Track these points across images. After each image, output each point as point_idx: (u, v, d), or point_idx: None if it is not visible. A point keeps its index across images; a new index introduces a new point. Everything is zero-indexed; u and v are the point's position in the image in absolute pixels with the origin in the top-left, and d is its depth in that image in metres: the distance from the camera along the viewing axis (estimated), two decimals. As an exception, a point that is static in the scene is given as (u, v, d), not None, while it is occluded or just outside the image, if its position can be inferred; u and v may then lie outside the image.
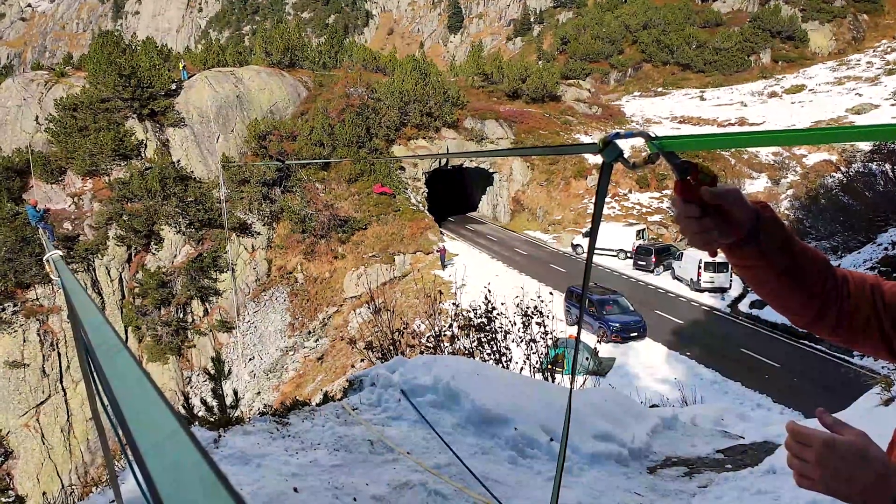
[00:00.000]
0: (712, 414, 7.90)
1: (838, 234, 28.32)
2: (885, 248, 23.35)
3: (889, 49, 66.37)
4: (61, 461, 32.16)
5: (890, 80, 56.51)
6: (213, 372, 5.48)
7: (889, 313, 1.37)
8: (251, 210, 40.13)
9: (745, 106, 59.84)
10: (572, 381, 2.24)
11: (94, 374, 1.57)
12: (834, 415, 1.26)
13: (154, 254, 38.13)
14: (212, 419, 5.14)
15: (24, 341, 32.79)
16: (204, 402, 5.62)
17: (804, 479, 1.15)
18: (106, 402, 1.69)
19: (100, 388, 1.60)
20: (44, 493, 29.24)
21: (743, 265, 1.39)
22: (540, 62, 70.11)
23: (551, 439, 5.49)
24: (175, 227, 38.13)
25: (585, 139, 49.87)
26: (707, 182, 1.24)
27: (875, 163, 30.09)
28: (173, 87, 43.63)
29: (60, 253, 2.56)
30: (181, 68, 45.92)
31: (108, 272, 36.77)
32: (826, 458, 1.11)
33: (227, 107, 43.78)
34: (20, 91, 42.15)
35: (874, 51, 67.68)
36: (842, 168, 34.85)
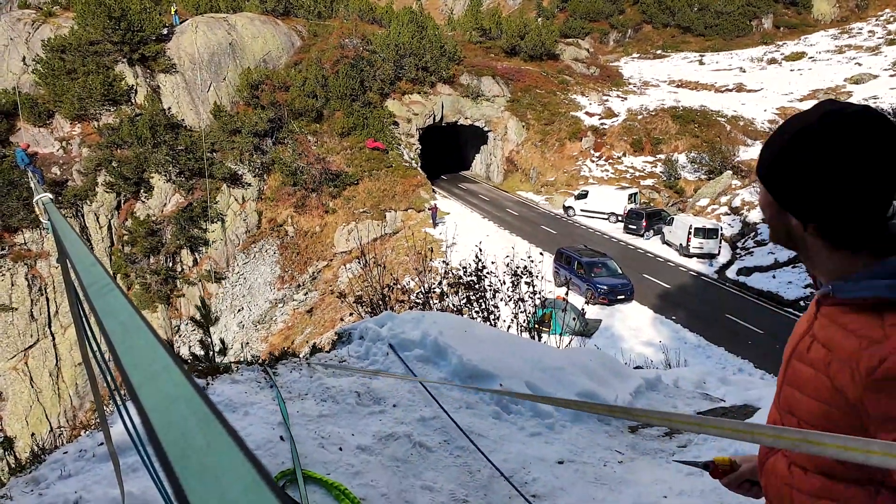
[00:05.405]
0: (695, 377, 8.01)
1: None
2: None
3: (892, 18, 65.51)
4: (50, 405, 32.44)
5: (891, 49, 55.87)
6: (200, 319, 5.49)
7: None
8: (242, 161, 39.72)
9: (744, 72, 59.23)
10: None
11: (84, 314, 1.58)
12: None
13: (144, 202, 37.84)
14: (200, 367, 5.17)
15: (13, 285, 32.72)
16: (192, 353, 5.66)
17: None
18: (94, 346, 1.70)
19: (89, 328, 1.61)
20: (32, 435, 29.52)
21: None
22: (539, 19, 68.79)
23: (536, 396, 5.57)
24: (165, 175, 37.77)
25: (582, 100, 49.51)
26: (728, 468, 1.64)
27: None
28: (164, 31, 42.72)
29: (50, 196, 2.54)
30: (173, 13, 44.90)
31: (97, 218, 36.53)
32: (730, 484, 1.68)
33: (220, 54, 42.97)
34: (6, 30, 41.16)
35: (877, 19, 66.81)
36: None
